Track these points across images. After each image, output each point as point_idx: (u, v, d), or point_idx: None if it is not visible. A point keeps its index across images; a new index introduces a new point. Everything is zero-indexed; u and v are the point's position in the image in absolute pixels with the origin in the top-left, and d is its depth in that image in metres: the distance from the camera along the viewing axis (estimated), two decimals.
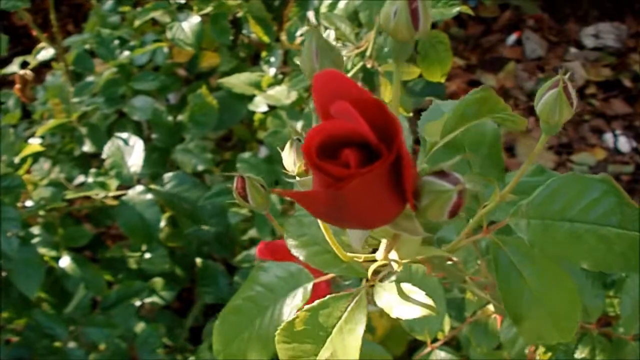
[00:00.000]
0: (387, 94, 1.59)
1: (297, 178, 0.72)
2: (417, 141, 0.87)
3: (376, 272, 0.74)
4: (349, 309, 0.72)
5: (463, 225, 0.76)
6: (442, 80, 1.65)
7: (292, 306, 0.81)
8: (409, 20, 0.59)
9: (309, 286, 0.82)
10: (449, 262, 0.82)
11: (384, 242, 0.68)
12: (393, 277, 0.74)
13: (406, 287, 0.71)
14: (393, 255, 0.68)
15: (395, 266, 0.71)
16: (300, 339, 0.72)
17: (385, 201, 0.55)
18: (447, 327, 1.23)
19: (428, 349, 1.10)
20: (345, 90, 0.53)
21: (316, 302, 0.73)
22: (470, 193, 0.56)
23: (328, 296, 0.73)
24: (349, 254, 0.73)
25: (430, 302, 0.68)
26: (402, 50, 0.62)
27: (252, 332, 0.83)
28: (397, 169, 0.53)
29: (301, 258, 0.80)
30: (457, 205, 0.56)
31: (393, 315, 0.70)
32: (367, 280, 0.74)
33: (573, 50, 3.45)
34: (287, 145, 0.73)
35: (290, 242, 0.81)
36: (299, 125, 1.76)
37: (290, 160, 0.73)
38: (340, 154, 0.52)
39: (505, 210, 0.77)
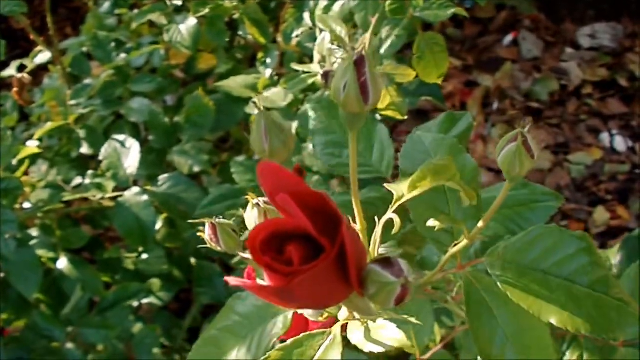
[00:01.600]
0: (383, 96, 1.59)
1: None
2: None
3: None
4: (322, 347, 0.71)
5: (445, 249, 0.76)
6: (439, 81, 1.65)
7: (273, 334, 0.79)
8: (359, 94, 0.61)
9: (289, 315, 0.79)
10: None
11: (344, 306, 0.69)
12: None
13: (379, 322, 0.71)
14: (356, 314, 0.69)
15: (360, 322, 0.72)
16: None
17: (332, 289, 0.56)
18: (437, 337, 1.23)
19: None
20: (286, 183, 0.55)
21: (289, 341, 0.72)
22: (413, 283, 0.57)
23: (302, 334, 0.72)
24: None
25: (401, 334, 0.69)
26: (355, 121, 0.63)
27: None
28: (343, 259, 0.54)
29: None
30: (403, 294, 0.57)
31: (365, 350, 0.71)
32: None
33: (569, 50, 3.46)
34: (248, 207, 0.74)
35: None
36: (294, 125, 1.76)
37: (252, 221, 0.74)
38: (285, 248, 0.53)
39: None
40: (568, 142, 3.13)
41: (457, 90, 3.31)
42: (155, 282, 1.99)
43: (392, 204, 0.68)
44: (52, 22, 1.99)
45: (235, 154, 2.18)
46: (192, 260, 2.05)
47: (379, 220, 0.68)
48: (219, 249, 0.78)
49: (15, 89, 2.02)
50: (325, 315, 0.72)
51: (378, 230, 0.63)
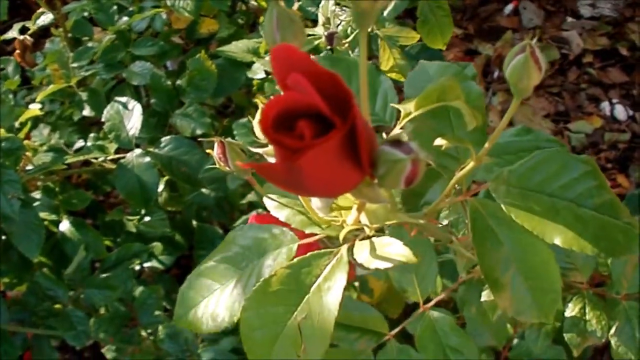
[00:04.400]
0: (386, 57, 1.59)
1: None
2: None
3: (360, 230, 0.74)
4: (329, 266, 0.72)
5: (451, 174, 0.76)
6: (443, 47, 1.65)
7: (275, 265, 0.79)
8: None
9: (294, 247, 0.80)
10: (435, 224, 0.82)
11: (354, 207, 0.69)
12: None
13: (384, 240, 0.71)
14: (364, 219, 0.69)
15: (367, 230, 0.72)
16: (272, 302, 0.72)
17: (344, 171, 0.56)
18: (439, 288, 1.23)
19: (421, 310, 1.10)
20: (300, 64, 0.54)
21: (296, 259, 0.73)
22: (425, 162, 0.57)
23: (309, 253, 0.73)
24: (326, 216, 0.73)
25: (407, 250, 0.69)
26: (365, 18, 0.62)
27: (224, 294, 0.80)
28: (353, 139, 0.53)
29: (281, 219, 0.81)
30: (413, 174, 0.57)
31: (371, 267, 0.70)
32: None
33: (570, 19, 3.45)
34: (258, 113, 0.73)
35: (270, 204, 0.83)
36: None
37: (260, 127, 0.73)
38: (296, 125, 0.53)
39: (488, 172, 0.78)
40: (568, 110, 3.13)
41: (457, 58, 3.30)
42: (157, 246, 1.99)
43: (400, 120, 0.68)
44: None
45: (237, 119, 2.18)
46: (194, 223, 2.05)
47: None
48: (227, 169, 0.78)
49: (17, 51, 2.01)
50: (334, 214, 0.72)
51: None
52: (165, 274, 2.18)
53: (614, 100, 3.14)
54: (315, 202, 0.64)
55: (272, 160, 0.62)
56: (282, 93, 0.55)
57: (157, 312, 1.80)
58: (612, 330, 1.15)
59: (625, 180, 2.87)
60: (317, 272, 0.71)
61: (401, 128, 0.67)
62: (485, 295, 1.08)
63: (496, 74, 3.26)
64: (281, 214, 0.80)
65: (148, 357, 1.79)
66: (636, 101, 3.13)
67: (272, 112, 0.52)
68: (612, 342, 1.15)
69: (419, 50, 1.88)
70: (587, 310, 1.15)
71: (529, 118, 3.06)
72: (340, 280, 0.70)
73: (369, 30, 1.51)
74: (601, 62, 3.28)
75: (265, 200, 0.82)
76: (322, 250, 0.72)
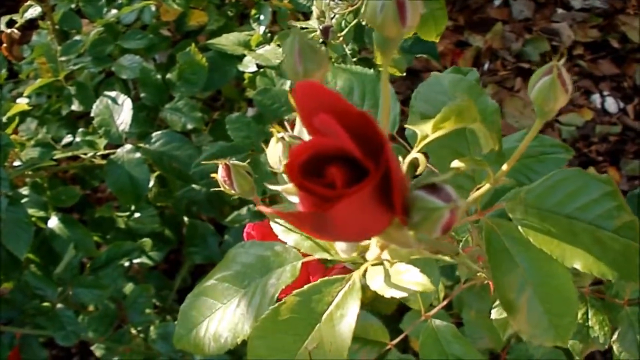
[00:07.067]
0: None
1: (281, 176, 0.70)
2: (403, 102, 0.86)
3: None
4: (341, 293, 0.70)
5: (466, 194, 0.74)
6: (437, 39, 1.63)
7: (279, 283, 0.76)
8: (397, 16, 0.56)
9: (298, 265, 0.77)
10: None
11: (374, 242, 0.66)
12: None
13: (399, 266, 0.69)
14: (385, 255, 0.66)
15: (387, 265, 0.70)
16: (282, 330, 0.69)
17: (374, 216, 0.52)
18: (441, 295, 1.21)
19: (422, 318, 1.08)
20: (328, 102, 0.50)
21: (307, 286, 0.70)
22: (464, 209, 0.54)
23: (320, 280, 0.71)
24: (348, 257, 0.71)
25: (425, 278, 0.67)
26: (389, 45, 0.59)
27: (226, 314, 0.77)
28: (386, 184, 0.50)
29: (290, 243, 0.78)
30: (450, 222, 0.54)
31: (387, 296, 0.68)
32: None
33: (560, 11, 3.44)
34: (272, 142, 0.71)
35: (278, 228, 0.79)
36: (287, 84, 1.74)
37: (275, 157, 0.71)
38: (326, 171, 0.49)
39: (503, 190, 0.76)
40: None
41: (448, 50, 3.29)
42: (147, 242, 1.97)
43: (417, 143, 0.65)
44: None
45: (226, 112, 2.15)
46: (185, 219, 2.03)
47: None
48: (232, 192, 0.76)
49: (4, 45, 1.99)
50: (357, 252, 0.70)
51: (403, 169, 0.60)
52: (154, 270, 2.16)
53: (605, 93, 3.13)
54: (340, 245, 0.62)
55: (291, 198, 0.59)
56: (296, 122, 0.52)
57: (147, 311, 1.78)
58: (615, 336, 1.13)
59: (616, 174, 2.86)
60: (328, 299, 0.69)
61: (418, 151, 0.65)
62: (496, 313, 1.06)
63: (486, 66, 3.24)
64: (289, 238, 0.77)
65: (138, 356, 1.77)
66: (627, 94, 3.12)
67: (300, 158, 0.49)
68: (615, 347, 1.13)
69: (412, 43, 1.86)
70: (589, 316, 1.13)
71: (519, 110, 3.05)
72: (353, 307, 0.68)
73: (364, 23, 1.49)
74: (592, 54, 3.27)
75: (273, 224, 0.79)
76: (334, 277, 0.70)
